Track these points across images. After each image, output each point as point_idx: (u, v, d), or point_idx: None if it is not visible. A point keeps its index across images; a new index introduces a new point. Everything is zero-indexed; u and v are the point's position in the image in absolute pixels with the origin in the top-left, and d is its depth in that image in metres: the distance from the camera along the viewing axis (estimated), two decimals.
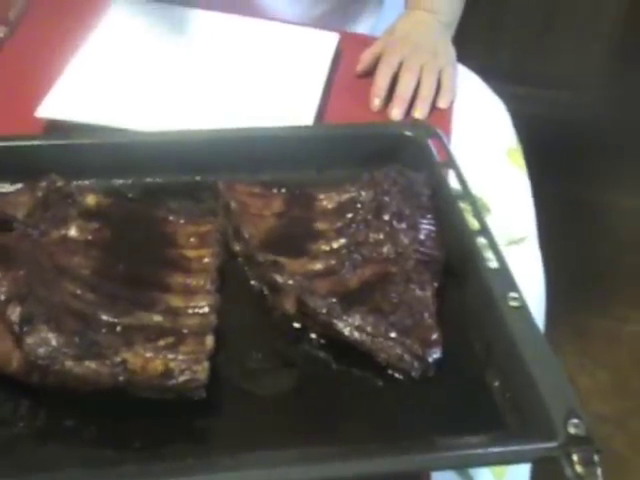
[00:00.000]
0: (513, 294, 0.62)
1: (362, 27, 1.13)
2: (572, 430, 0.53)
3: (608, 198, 1.92)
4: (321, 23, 1.02)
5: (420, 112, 0.90)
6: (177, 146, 0.75)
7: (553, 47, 1.97)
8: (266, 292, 0.65)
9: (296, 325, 0.63)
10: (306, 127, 0.83)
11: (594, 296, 1.72)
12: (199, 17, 0.98)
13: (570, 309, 1.60)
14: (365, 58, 0.95)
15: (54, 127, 0.81)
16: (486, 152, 0.88)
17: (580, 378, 1.60)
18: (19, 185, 0.69)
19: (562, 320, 1.53)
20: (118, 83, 0.88)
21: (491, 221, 0.71)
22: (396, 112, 0.89)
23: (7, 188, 0.70)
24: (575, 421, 0.54)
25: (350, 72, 0.95)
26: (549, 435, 0.53)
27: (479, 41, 1.73)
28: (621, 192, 1.93)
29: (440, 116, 0.90)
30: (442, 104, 0.91)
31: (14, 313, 0.56)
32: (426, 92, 0.91)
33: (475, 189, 0.73)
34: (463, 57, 0.99)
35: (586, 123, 1.97)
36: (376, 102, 0.90)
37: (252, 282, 0.66)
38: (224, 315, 0.61)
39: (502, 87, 1.01)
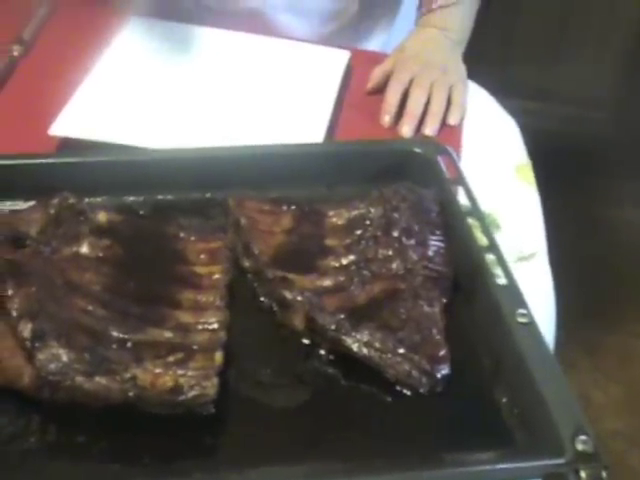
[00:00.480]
0: (522, 310, 0.62)
1: (373, 44, 1.14)
2: (580, 447, 0.53)
3: (620, 213, 1.91)
4: (332, 40, 1.03)
5: (430, 129, 0.90)
6: (188, 163, 0.75)
7: (564, 63, 1.97)
8: (275, 308, 0.66)
9: (305, 341, 0.64)
10: (315, 144, 0.83)
11: (607, 312, 1.72)
12: (210, 35, 0.99)
13: (583, 325, 1.60)
14: (376, 75, 0.96)
15: (67, 145, 0.82)
16: (495, 168, 0.88)
17: (593, 394, 1.60)
18: (32, 202, 0.70)
19: (575, 336, 1.53)
20: (130, 101, 0.89)
21: (501, 237, 0.72)
22: (406, 129, 0.90)
23: (20, 205, 0.71)
24: (583, 437, 0.54)
25: (361, 89, 0.96)
26: (557, 452, 0.53)
27: (489, 56, 1.74)
28: (633, 207, 1.93)
29: (450, 133, 0.91)
30: (452, 121, 0.92)
31: (26, 329, 0.56)
32: (436, 109, 0.91)
33: (485, 205, 0.74)
34: (473, 72, 1.00)
35: (597, 139, 1.97)
36: (386, 119, 0.91)
37: (261, 298, 0.67)
38: (233, 331, 0.62)
39: (512, 102, 1.01)
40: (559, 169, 1.62)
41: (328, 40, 1.03)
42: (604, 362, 1.66)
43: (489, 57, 1.71)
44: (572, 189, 1.82)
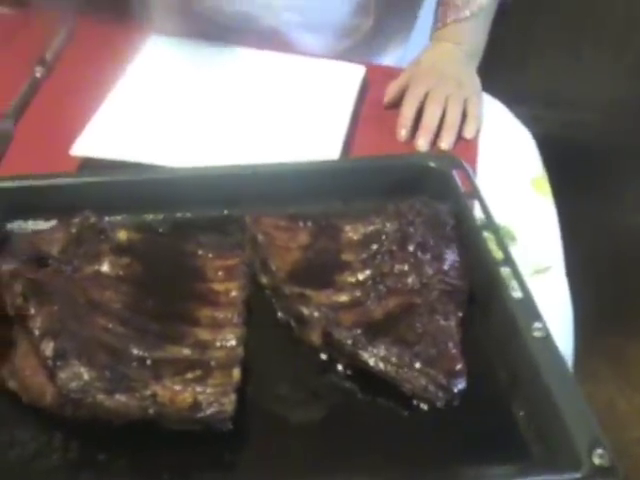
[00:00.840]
0: (537, 324, 0.62)
1: (388, 60, 1.14)
2: (597, 460, 0.53)
3: (638, 220, 1.90)
4: (346, 57, 1.04)
5: (446, 142, 0.91)
6: (205, 181, 0.76)
7: (581, 67, 1.96)
8: (293, 324, 0.66)
9: (322, 356, 0.64)
10: (331, 161, 0.84)
11: (630, 320, 1.71)
12: (226, 52, 1.00)
13: (606, 334, 1.59)
14: (391, 90, 0.96)
15: (88, 165, 0.83)
16: (511, 181, 0.89)
17: (618, 402, 1.58)
18: (53, 222, 0.71)
19: (599, 346, 1.52)
20: (149, 120, 0.90)
21: (517, 250, 0.72)
22: (422, 143, 0.90)
23: (42, 225, 0.72)
24: (600, 451, 0.54)
25: (377, 104, 0.97)
26: (574, 465, 0.54)
27: (506, 63, 1.73)
28: None
29: (466, 146, 0.91)
30: (468, 134, 0.92)
31: (48, 348, 0.57)
32: (451, 122, 0.92)
33: (500, 219, 0.74)
34: (488, 79, 1.00)
35: (615, 147, 1.96)
36: (402, 133, 0.91)
37: (279, 314, 0.67)
38: (251, 347, 0.62)
39: (529, 111, 1.02)
40: (578, 177, 1.61)
41: (343, 56, 1.04)
42: (629, 371, 1.65)
43: (504, 62, 1.70)
44: (589, 196, 1.81)
